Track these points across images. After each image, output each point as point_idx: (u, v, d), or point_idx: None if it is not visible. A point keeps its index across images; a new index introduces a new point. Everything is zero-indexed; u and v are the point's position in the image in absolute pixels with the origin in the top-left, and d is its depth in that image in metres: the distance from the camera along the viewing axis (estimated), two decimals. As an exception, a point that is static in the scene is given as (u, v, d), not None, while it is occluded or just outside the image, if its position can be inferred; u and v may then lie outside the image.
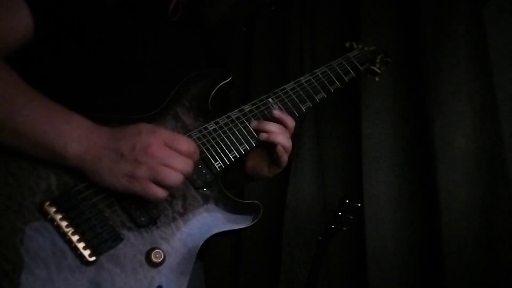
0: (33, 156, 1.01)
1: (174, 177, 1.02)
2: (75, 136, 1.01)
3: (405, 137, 2.52)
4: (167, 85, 1.27)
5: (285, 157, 1.32)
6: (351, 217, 2.22)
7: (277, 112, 1.32)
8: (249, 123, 1.29)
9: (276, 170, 1.37)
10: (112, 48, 1.21)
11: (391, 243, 2.45)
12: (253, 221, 1.22)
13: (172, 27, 1.35)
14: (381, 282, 2.43)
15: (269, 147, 1.32)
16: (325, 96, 1.45)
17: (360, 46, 1.68)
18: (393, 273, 2.43)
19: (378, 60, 1.68)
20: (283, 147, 1.30)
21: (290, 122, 1.33)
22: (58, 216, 0.99)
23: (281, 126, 1.31)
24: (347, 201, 2.23)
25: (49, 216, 0.99)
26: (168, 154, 1.02)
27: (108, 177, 1.01)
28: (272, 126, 1.29)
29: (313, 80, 1.44)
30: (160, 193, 1.02)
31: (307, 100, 1.41)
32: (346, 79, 1.52)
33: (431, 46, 2.39)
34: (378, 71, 1.68)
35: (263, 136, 1.28)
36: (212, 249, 1.18)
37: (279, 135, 1.29)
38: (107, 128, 1.05)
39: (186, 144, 1.06)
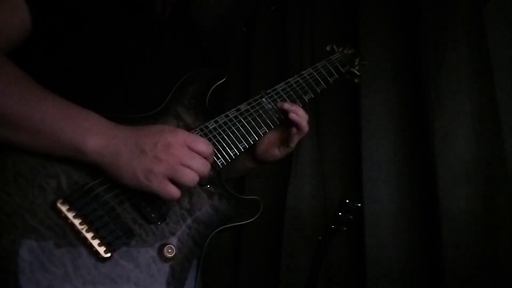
0: (51, 154, 1.02)
1: (191, 177, 1.04)
2: (94, 131, 1.02)
3: (405, 137, 2.52)
4: (163, 83, 1.29)
5: (297, 139, 1.45)
6: (351, 217, 2.23)
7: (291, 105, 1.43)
8: (246, 122, 1.34)
9: (287, 150, 1.48)
10: (107, 42, 1.22)
11: (391, 243, 2.45)
12: (254, 216, 1.27)
13: (163, 25, 1.38)
14: (381, 282, 2.43)
15: (285, 129, 1.44)
16: (312, 96, 1.53)
17: (340, 49, 1.75)
18: (393, 273, 2.43)
19: (356, 63, 1.76)
20: (304, 132, 1.44)
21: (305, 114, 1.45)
22: (71, 214, 1.00)
23: (305, 113, 1.43)
24: (347, 201, 2.24)
25: (62, 214, 0.99)
26: (187, 154, 1.05)
27: (125, 172, 1.02)
28: (301, 111, 1.42)
29: (301, 81, 1.51)
30: (175, 191, 1.04)
31: (297, 101, 1.48)
32: (331, 80, 1.59)
33: (431, 46, 2.39)
34: (358, 73, 1.76)
35: (293, 116, 1.40)
36: (211, 248, 1.20)
37: (304, 120, 1.42)
38: (125, 125, 1.07)
39: (205, 145, 1.09)
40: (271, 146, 1.48)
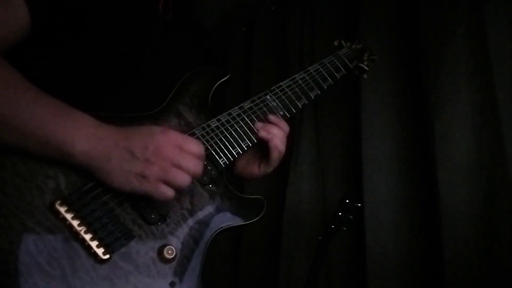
0: (40, 155, 1.00)
1: (184, 178, 1.04)
2: (82, 133, 1.01)
3: (405, 137, 2.52)
4: (165, 82, 1.28)
5: (277, 158, 1.35)
6: (351, 217, 2.22)
7: (273, 117, 1.35)
8: (249, 120, 1.31)
9: (266, 170, 1.40)
10: (111, 40, 1.21)
11: (391, 243, 2.45)
12: (257, 216, 1.25)
13: (166, 25, 1.35)
14: (381, 282, 2.43)
15: (263, 147, 1.34)
16: (319, 93, 1.49)
17: (348, 44, 1.72)
18: (393, 273, 2.43)
19: (365, 58, 1.73)
20: (278, 150, 1.33)
21: (285, 126, 1.36)
22: (70, 215, 0.99)
23: (280, 130, 1.33)
24: (347, 201, 2.23)
25: (61, 216, 0.98)
26: (179, 155, 1.04)
27: (117, 176, 1.01)
28: (273, 129, 1.32)
29: (307, 77, 1.48)
30: (170, 193, 1.03)
31: (303, 97, 1.44)
32: (338, 76, 1.56)
33: (431, 46, 2.39)
34: (366, 68, 1.73)
35: (263, 134, 1.31)
36: (211, 248, 1.19)
37: (277, 138, 1.32)
38: (115, 126, 1.05)
39: (196, 146, 1.08)
40: (250, 163, 1.41)
